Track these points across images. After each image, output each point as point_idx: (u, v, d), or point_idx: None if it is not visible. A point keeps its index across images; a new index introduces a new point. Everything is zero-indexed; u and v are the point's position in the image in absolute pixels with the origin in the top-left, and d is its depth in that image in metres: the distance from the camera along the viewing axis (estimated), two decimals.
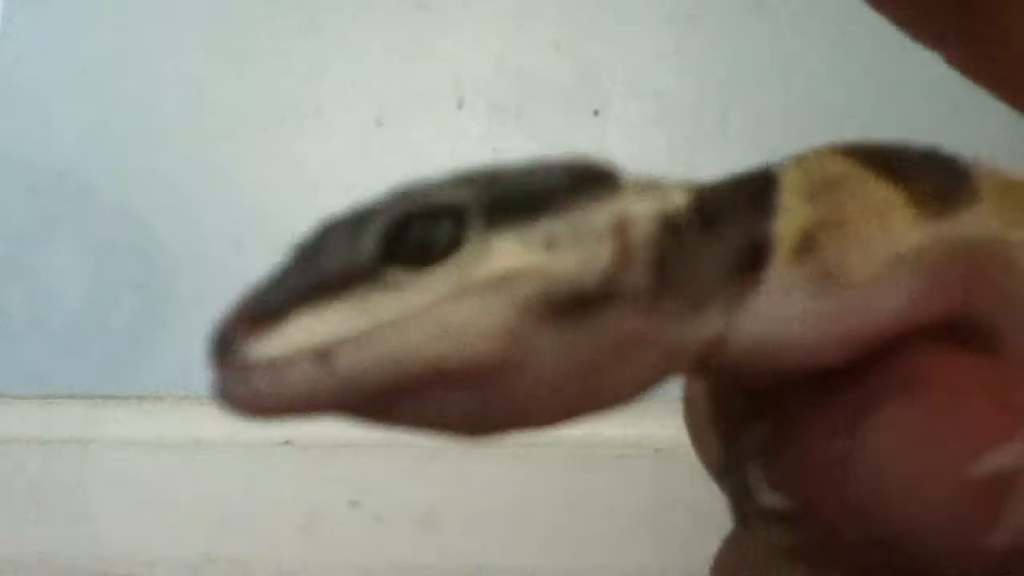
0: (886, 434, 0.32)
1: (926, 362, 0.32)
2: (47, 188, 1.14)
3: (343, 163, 1.14)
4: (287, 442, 1.07)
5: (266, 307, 0.30)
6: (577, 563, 1.02)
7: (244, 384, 0.29)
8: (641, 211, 0.31)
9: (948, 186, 0.35)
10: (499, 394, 0.30)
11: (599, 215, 0.31)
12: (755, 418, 0.38)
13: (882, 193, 0.34)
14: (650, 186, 0.33)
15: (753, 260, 0.33)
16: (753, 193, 0.34)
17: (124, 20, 1.16)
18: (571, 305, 0.29)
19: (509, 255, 0.29)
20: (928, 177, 0.35)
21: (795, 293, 0.33)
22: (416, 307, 0.29)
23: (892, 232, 0.33)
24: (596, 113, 1.14)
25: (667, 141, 1.13)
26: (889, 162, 0.35)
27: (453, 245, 0.29)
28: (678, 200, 0.33)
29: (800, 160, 0.35)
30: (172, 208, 1.12)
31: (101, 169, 1.14)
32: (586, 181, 0.31)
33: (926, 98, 1.09)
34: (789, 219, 0.33)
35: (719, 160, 1.16)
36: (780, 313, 0.33)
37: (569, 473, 1.03)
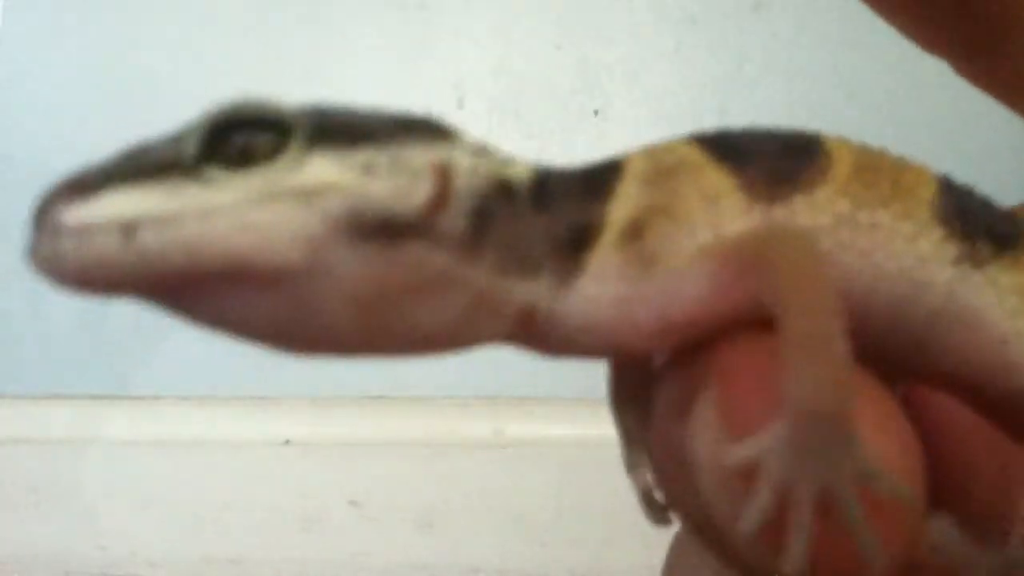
0: (699, 426, 0.32)
1: (728, 355, 0.33)
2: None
3: None
4: (287, 442, 1.07)
5: (86, 181, 0.32)
6: (576, 563, 1.02)
7: (50, 244, 0.31)
8: (467, 164, 0.33)
9: (787, 170, 0.35)
10: (298, 301, 0.31)
11: (421, 155, 0.32)
12: (632, 398, 0.39)
13: (715, 179, 0.35)
14: (491, 152, 0.34)
15: (582, 241, 0.34)
16: (595, 178, 0.35)
17: (123, 21, 1.17)
18: (379, 229, 0.31)
19: (323, 170, 0.31)
20: (766, 162, 0.35)
21: (612, 277, 0.34)
22: (225, 202, 0.30)
23: (718, 219, 0.34)
24: (596, 113, 1.14)
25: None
26: (731, 148, 0.36)
27: (273, 155, 0.31)
28: (521, 172, 0.34)
29: (650, 148, 0.36)
30: None
31: None
32: (418, 127, 0.33)
33: (925, 97, 1.09)
34: (622, 204, 0.34)
35: None
36: (597, 295, 0.34)
37: (568, 473, 1.03)
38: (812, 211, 0.35)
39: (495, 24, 1.15)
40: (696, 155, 0.36)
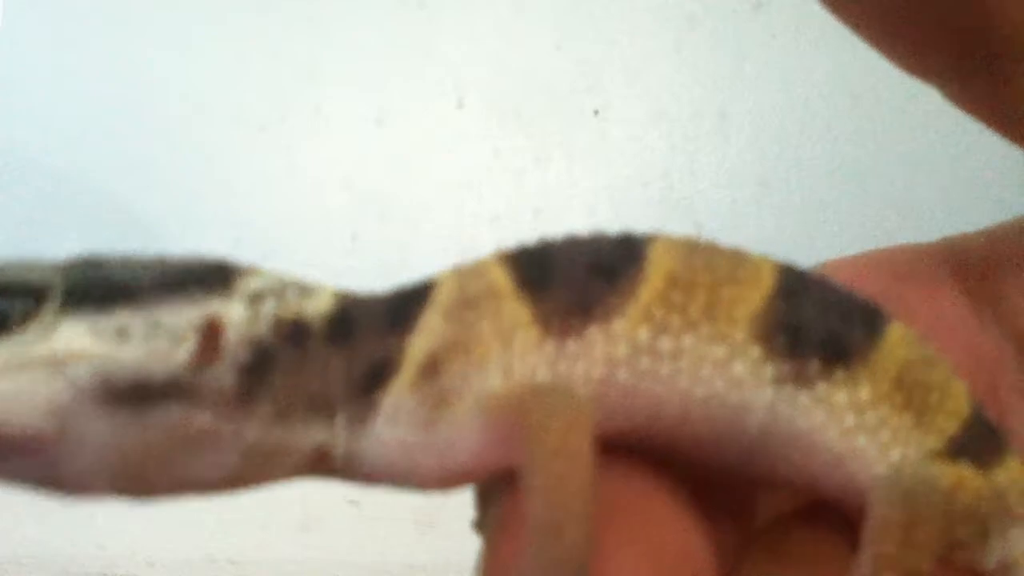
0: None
1: (504, 509, 0.32)
2: (46, 188, 1.14)
3: (343, 163, 1.14)
4: None
5: None
6: None
7: None
8: (241, 316, 0.32)
9: (585, 297, 0.33)
10: (56, 466, 0.31)
11: (185, 315, 0.31)
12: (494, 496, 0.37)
13: (513, 311, 0.33)
14: (287, 288, 0.33)
15: (378, 378, 0.33)
16: (398, 308, 0.34)
17: (124, 21, 1.17)
18: (134, 394, 0.30)
19: (72, 338, 0.30)
20: (567, 287, 0.33)
21: (403, 421, 0.33)
22: None
23: (509, 357, 0.33)
24: (596, 113, 1.14)
25: (667, 141, 1.13)
26: (538, 271, 0.33)
27: (26, 321, 0.31)
28: (321, 305, 0.33)
29: (459, 272, 0.34)
30: (172, 207, 1.12)
31: (101, 169, 1.14)
32: (192, 280, 0.32)
33: (925, 97, 1.09)
34: (423, 338, 0.33)
35: (719, 160, 1.16)
36: (389, 439, 0.33)
37: None
38: (606, 343, 0.33)
39: (495, 24, 1.15)
40: (502, 281, 0.33)
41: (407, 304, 0.34)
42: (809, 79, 1.11)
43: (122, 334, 0.31)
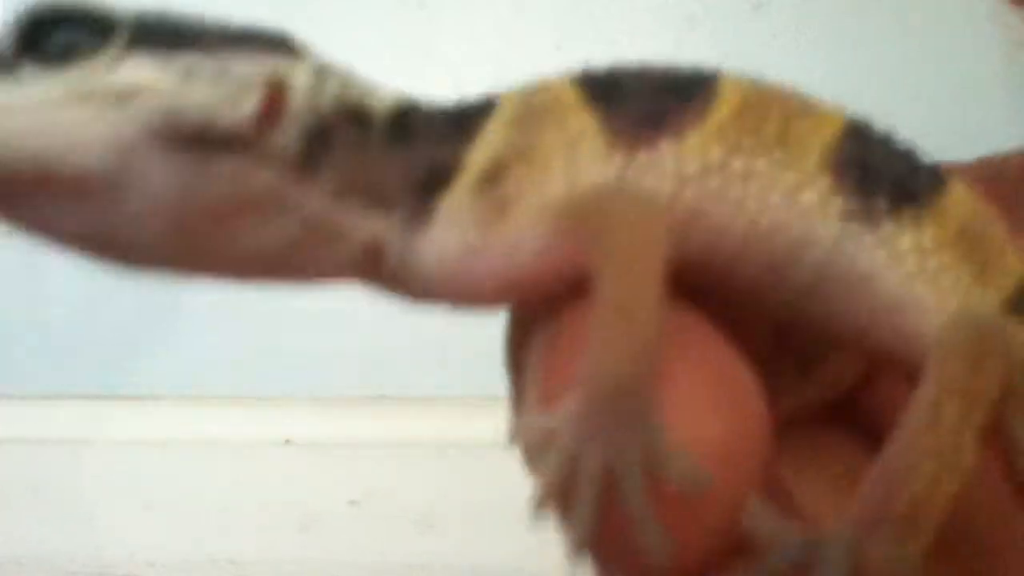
0: (527, 393, 0.31)
1: (559, 320, 0.31)
2: None
3: None
4: (287, 442, 1.07)
5: None
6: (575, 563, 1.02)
7: None
8: (308, 82, 0.31)
9: (658, 111, 0.33)
10: (108, 211, 0.29)
11: (253, 66, 0.31)
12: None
13: (580, 122, 0.33)
14: (352, 79, 0.32)
15: (438, 182, 0.32)
16: (462, 117, 0.34)
17: None
18: (197, 139, 0.29)
19: (139, 72, 0.29)
20: (639, 102, 0.33)
21: (462, 224, 0.32)
22: (31, 100, 0.28)
23: (574, 166, 0.32)
24: None
25: None
26: (608, 87, 0.33)
27: (92, 54, 0.29)
28: (385, 102, 0.33)
29: (524, 89, 0.34)
30: None
31: None
32: (258, 40, 0.32)
33: (925, 97, 1.09)
34: (485, 146, 0.33)
35: None
36: (446, 242, 0.32)
37: None
38: (678, 157, 0.32)
39: (495, 24, 1.15)
40: (569, 94, 0.34)
41: (470, 115, 0.34)
42: (809, 79, 1.11)
43: (190, 74, 0.29)
